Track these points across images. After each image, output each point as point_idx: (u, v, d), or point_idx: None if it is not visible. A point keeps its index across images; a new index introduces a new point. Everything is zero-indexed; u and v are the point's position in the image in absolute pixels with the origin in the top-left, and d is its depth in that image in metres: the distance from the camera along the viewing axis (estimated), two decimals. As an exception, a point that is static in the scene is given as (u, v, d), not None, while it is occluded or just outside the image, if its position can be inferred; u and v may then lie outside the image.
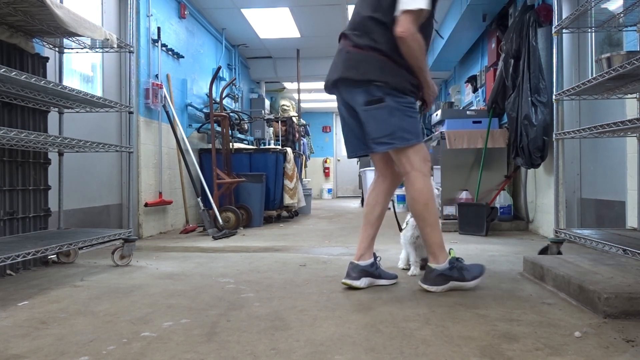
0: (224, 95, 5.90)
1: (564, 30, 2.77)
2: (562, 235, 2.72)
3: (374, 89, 2.23)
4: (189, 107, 5.72)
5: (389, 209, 2.60)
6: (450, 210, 4.95)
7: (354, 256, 2.43)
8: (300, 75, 8.02)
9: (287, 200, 5.86)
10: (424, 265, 2.49)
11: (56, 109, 3.17)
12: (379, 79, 2.21)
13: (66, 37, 3.07)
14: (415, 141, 2.26)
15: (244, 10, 6.25)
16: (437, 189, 2.60)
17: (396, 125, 2.23)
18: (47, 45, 3.14)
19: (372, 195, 2.48)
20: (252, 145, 7.41)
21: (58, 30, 2.83)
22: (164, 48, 4.99)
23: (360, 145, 2.43)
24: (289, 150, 5.90)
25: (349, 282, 2.34)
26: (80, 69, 3.87)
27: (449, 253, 2.33)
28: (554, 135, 2.82)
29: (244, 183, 5.29)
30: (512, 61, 4.41)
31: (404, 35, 2.13)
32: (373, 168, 3.64)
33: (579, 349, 1.55)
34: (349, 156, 2.56)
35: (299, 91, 8.26)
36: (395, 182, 2.51)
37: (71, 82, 3.71)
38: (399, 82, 2.24)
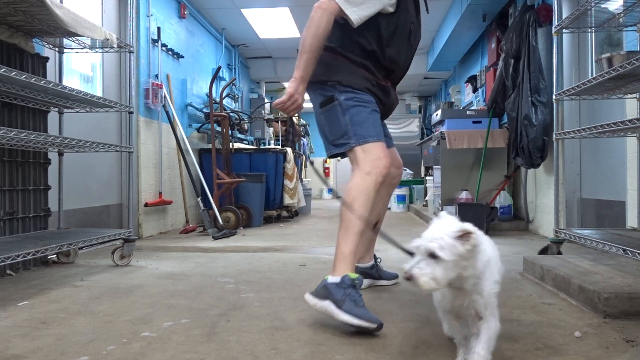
0: (224, 95, 5.90)
1: (564, 30, 2.77)
2: (562, 235, 2.72)
3: (328, 88, 2.07)
4: (189, 107, 5.72)
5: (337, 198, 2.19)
6: (450, 210, 4.94)
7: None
8: (300, 75, 8.01)
9: (287, 200, 5.86)
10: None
11: (56, 109, 3.17)
12: (331, 78, 2.06)
13: (66, 37, 3.07)
14: (373, 139, 2.02)
15: (244, 10, 6.25)
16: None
17: (350, 123, 2.03)
18: (47, 45, 3.14)
19: None
20: (252, 145, 7.41)
21: (58, 30, 2.83)
22: (164, 48, 4.99)
23: None
24: (289, 150, 5.90)
25: None
26: (80, 69, 3.87)
27: (351, 275, 1.84)
28: (554, 135, 2.82)
29: (244, 183, 5.29)
30: (512, 61, 4.41)
31: (315, 6, 1.96)
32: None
33: (579, 349, 1.55)
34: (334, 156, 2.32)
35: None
36: (386, 183, 2.27)
37: (71, 82, 3.70)
38: (352, 80, 2.06)
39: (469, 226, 1.26)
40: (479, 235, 1.28)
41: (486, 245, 1.38)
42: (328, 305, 1.76)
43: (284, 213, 6.40)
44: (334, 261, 1.90)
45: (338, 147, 2.07)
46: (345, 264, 1.86)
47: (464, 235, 1.25)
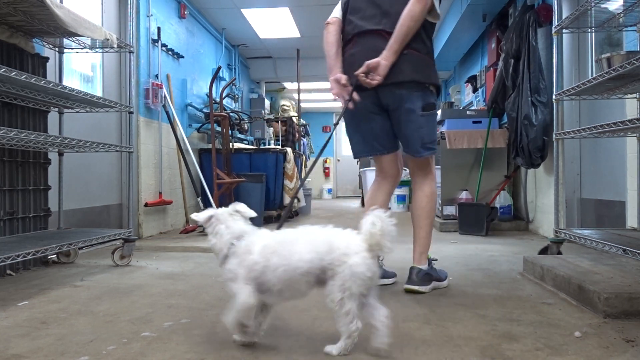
0: (224, 95, 5.90)
1: (564, 30, 2.77)
2: (562, 235, 2.72)
3: (429, 94, 2.25)
4: (189, 107, 5.72)
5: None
6: (450, 210, 4.94)
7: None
8: (300, 75, 8.02)
9: (287, 201, 5.86)
10: None
11: (56, 109, 3.16)
12: (437, 82, 2.29)
13: (66, 37, 3.07)
14: None
15: (244, 10, 6.24)
16: None
17: (435, 132, 2.35)
18: (47, 45, 3.13)
19: (375, 196, 2.45)
20: (252, 145, 7.41)
21: (58, 30, 2.83)
22: (164, 48, 4.99)
23: (377, 146, 2.39)
24: (289, 150, 5.90)
25: None
26: (80, 69, 3.87)
27: (429, 256, 2.40)
28: (554, 135, 2.82)
29: (244, 183, 5.28)
30: (512, 61, 4.41)
31: None
32: (373, 168, 3.63)
33: (579, 349, 1.55)
34: (358, 156, 2.50)
35: (299, 91, 8.25)
36: (396, 182, 2.52)
37: (71, 82, 3.70)
38: (440, 89, 2.37)
39: (213, 209, 1.64)
40: (216, 214, 1.65)
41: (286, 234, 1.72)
42: (434, 284, 2.30)
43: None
44: (423, 251, 2.34)
45: (427, 151, 2.30)
46: (427, 252, 2.35)
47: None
